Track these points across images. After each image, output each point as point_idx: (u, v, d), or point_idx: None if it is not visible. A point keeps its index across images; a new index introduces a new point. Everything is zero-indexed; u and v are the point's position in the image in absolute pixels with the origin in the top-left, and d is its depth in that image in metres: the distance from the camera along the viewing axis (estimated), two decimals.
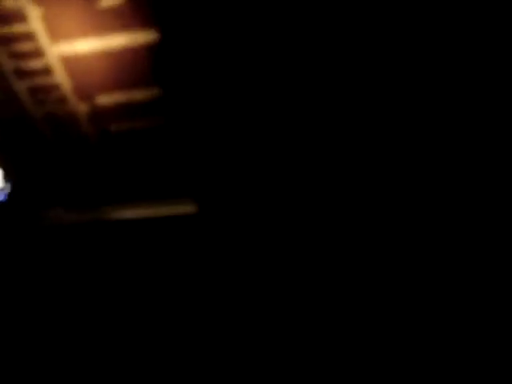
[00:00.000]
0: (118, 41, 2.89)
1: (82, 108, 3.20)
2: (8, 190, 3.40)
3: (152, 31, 2.81)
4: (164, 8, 2.70)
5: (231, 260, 3.64)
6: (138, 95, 3.12)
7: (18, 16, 2.85)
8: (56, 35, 2.91)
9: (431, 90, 2.69)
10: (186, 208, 3.65)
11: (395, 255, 3.17)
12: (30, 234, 3.74)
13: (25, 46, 2.96)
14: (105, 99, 3.16)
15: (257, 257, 3.54)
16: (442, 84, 2.67)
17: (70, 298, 3.72)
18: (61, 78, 3.07)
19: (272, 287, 3.45)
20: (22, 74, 3.06)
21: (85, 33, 2.89)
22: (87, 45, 2.93)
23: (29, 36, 2.92)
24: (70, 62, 3.01)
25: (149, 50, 2.90)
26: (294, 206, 3.25)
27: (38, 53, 2.98)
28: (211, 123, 3.15)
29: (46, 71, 3.05)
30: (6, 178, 3.36)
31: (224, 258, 3.66)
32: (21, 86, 3.11)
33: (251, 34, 2.71)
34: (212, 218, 3.62)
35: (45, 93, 3.14)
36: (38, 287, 3.73)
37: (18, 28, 2.90)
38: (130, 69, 3.00)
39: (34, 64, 3.02)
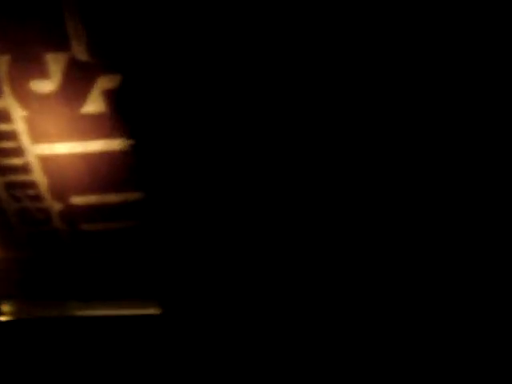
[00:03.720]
0: (95, 146, 3.03)
1: (55, 206, 3.29)
2: None
3: (128, 139, 2.95)
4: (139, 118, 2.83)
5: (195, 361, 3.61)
6: (111, 198, 3.22)
7: (4, 116, 2.99)
8: (37, 136, 3.05)
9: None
10: (150, 309, 3.66)
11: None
12: None
13: (6, 144, 3.09)
14: (79, 200, 3.26)
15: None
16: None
17: None
18: (38, 176, 3.17)
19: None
20: (1, 169, 3.16)
21: (64, 136, 3.03)
22: (66, 147, 3.06)
23: (12, 135, 3.05)
24: (48, 162, 3.13)
25: (124, 157, 3.03)
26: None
27: (18, 151, 3.10)
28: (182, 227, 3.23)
29: (25, 169, 3.16)
30: None
31: (187, 359, 3.63)
32: None
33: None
34: (176, 321, 3.61)
35: (21, 189, 3.23)
36: None
37: (2, 127, 3.04)
38: (104, 173, 3.11)
39: (14, 161, 3.14)
